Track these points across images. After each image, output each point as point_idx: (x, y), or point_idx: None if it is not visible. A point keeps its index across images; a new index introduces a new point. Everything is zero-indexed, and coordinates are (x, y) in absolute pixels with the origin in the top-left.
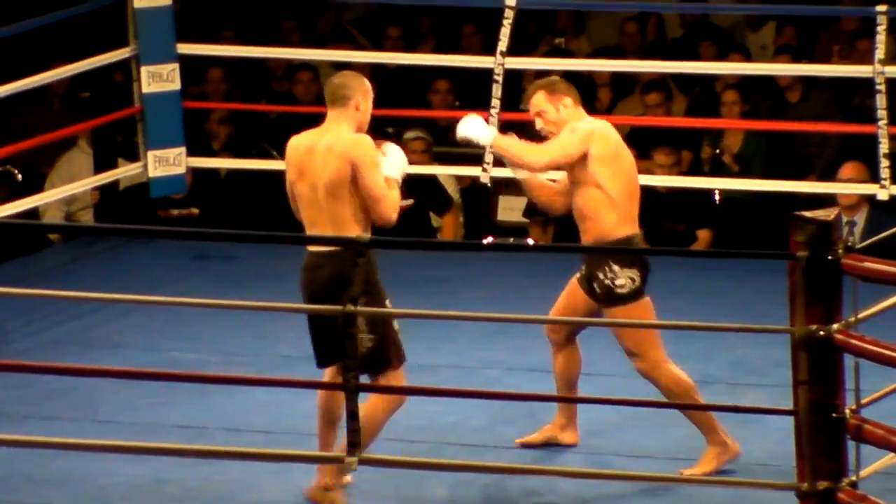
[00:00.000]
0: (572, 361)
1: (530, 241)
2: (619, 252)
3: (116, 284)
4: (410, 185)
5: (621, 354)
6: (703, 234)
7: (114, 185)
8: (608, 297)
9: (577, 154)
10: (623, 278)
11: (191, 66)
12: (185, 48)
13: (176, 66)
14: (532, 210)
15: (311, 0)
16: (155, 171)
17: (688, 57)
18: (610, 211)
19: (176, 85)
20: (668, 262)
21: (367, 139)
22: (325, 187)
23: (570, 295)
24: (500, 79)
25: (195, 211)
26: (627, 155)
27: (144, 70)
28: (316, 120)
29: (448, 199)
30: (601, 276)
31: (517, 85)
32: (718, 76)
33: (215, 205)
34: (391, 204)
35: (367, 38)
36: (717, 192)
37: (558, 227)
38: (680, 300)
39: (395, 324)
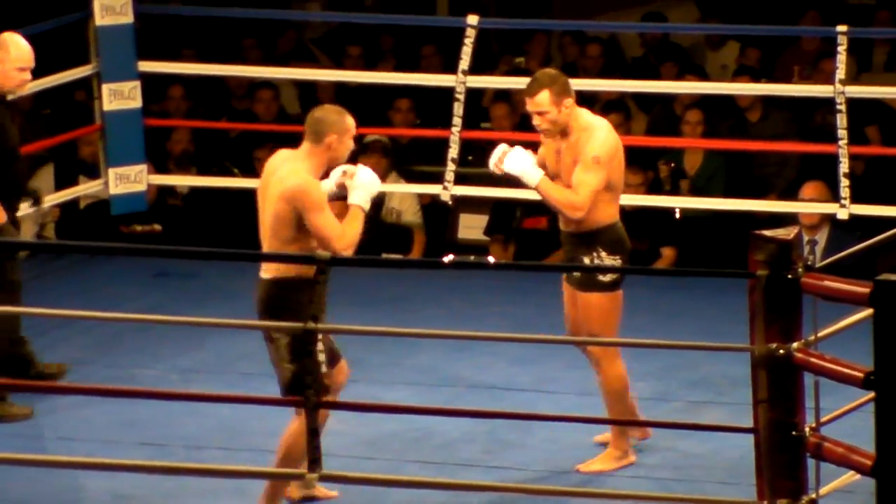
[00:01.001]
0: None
1: (491, 259)
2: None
3: (78, 301)
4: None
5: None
6: (667, 252)
7: (75, 202)
8: (588, 282)
9: (604, 182)
10: (610, 263)
11: (152, 84)
12: (146, 66)
13: (137, 83)
14: (493, 228)
15: (272, 19)
16: (116, 189)
17: (648, 76)
18: (606, 202)
19: (137, 102)
20: (630, 281)
21: (314, 184)
22: (269, 222)
23: (572, 303)
24: (461, 97)
25: (158, 227)
26: (621, 146)
27: (105, 87)
28: (275, 138)
29: (408, 233)
30: (587, 260)
31: (478, 104)
32: (678, 96)
33: (177, 222)
34: (346, 240)
35: (328, 56)
36: (677, 209)
37: (518, 246)
38: (642, 318)
39: (321, 355)
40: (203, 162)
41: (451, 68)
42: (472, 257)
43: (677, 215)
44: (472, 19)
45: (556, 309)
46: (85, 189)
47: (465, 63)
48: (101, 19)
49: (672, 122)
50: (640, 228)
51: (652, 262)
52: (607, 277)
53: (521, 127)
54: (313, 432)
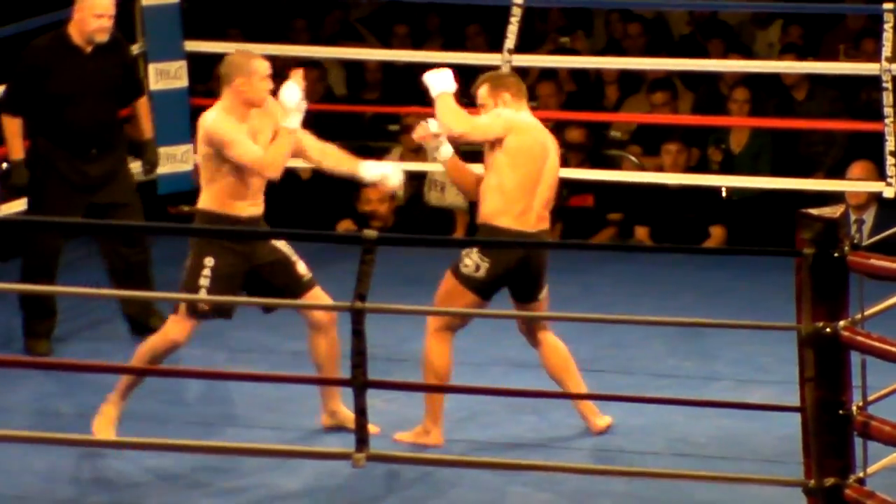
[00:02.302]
0: (549, 354)
1: None
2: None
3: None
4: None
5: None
6: (716, 231)
7: None
8: (455, 261)
9: (493, 135)
10: (470, 260)
11: (198, 64)
12: (192, 45)
13: (183, 63)
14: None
15: None
16: (162, 168)
17: (695, 55)
18: (496, 197)
19: (183, 82)
20: (677, 259)
21: (222, 120)
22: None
23: None
24: None
25: None
26: (543, 157)
27: (152, 67)
28: (321, 119)
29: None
30: (465, 251)
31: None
32: (724, 74)
33: None
34: (268, 161)
35: (374, 35)
36: (723, 188)
37: (565, 224)
38: (688, 297)
39: (203, 280)
40: None
41: (496, 47)
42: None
43: (724, 194)
44: None
45: (601, 287)
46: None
47: (510, 42)
48: None
49: (718, 101)
50: (687, 207)
51: (700, 241)
52: (466, 269)
53: (568, 105)
54: (361, 411)
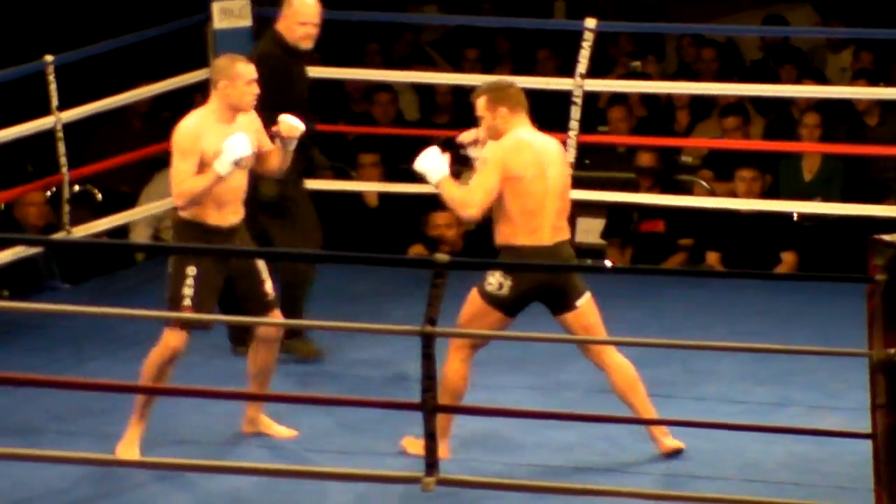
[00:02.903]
0: (614, 374)
1: (608, 263)
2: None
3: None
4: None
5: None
6: (788, 257)
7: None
8: (480, 281)
9: (498, 184)
10: (494, 279)
11: None
12: None
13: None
14: (610, 231)
15: (389, 22)
16: None
17: (767, 80)
18: (506, 222)
19: None
20: (748, 284)
21: (186, 129)
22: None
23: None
24: (578, 101)
25: None
26: (541, 173)
27: None
28: (393, 142)
29: None
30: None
31: (594, 107)
32: (796, 99)
33: None
34: (178, 190)
35: (445, 59)
36: (795, 213)
37: (636, 249)
38: (759, 322)
39: (188, 289)
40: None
41: (566, 71)
42: (589, 261)
43: (795, 219)
44: (591, 23)
45: (672, 312)
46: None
47: (582, 66)
48: (219, 23)
49: (790, 126)
50: (758, 232)
51: (772, 266)
52: (489, 287)
53: (639, 130)
54: (430, 435)
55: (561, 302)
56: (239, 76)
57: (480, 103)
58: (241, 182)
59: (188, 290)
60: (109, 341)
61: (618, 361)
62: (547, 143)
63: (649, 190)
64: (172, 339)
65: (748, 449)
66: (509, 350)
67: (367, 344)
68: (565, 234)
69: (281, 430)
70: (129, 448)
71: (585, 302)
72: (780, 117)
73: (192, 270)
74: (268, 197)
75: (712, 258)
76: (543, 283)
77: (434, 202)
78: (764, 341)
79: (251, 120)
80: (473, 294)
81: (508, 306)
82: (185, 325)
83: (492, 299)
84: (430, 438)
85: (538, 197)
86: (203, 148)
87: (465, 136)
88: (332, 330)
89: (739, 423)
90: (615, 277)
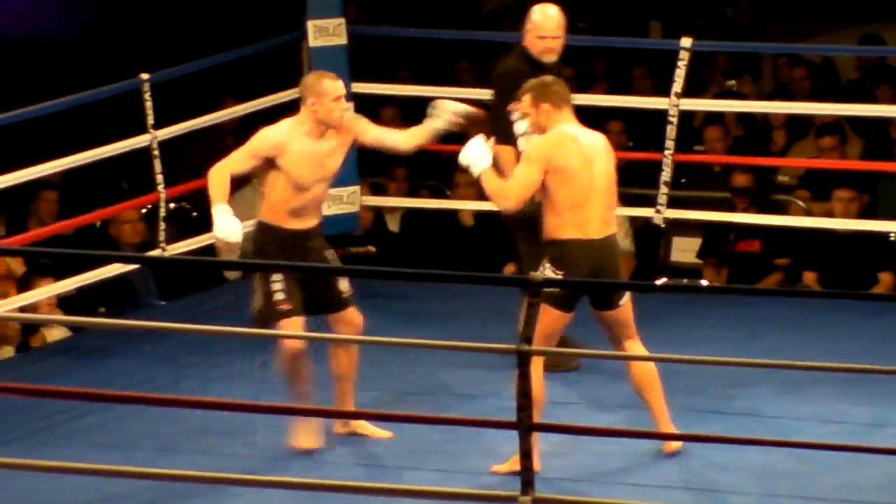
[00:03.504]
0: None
1: (704, 283)
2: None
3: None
4: None
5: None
6: (885, 277)
7: None
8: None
9: (538, 178)
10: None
11: (365, 105)
12: (359, 87)
13: (350, 105)
14: (706, 251)
15: (484, 40)
16: (329, 210)
17: (863, 100)
18: (553, 215)
19: None
20: (845, 305)
21: (266, 135)
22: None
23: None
24: (674, 120)
25: (372, 249)
26: (587, 166)
27: None
28: None
29: None
30: (540, 267)
31: (690, 126)
32: (894, 119)
33: (392, 244)
34: (214, 168)
35: None
36: (892, 234)
37: (732, 269)
38: (856, 343)
39: (277, 286)
40: (416, 184)
41: (662, 90)
42: (685, 280)
43: (892, 238)
44: (686, 42)
45: (768, 332)
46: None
47: (678, 86)
48: (314, 40)
49: (888, 146)
50: (855, 252)
51: (869, 287)
52: (549, 290)
53: (735, 150)
54: (527, 455)
55: (607, 299)
56: (325, 93)
57: (525, 101)
58: (322, 191)
59: (278, 286)
60: (204, 358)
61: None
62: (592, 138)
63: (745, 210)
64: (291, 331)
65: (844, 470)
66: (610, 368)
67: (461, 361)
68: (613, 228)
69: (376, 431)
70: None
71: (626, 300)
72: (879, 137)
73: (277, 275)
74: (526, 211)
75: (809, 278)
76: (593, 275)
77: None
78: (860, 362)
79: (343, 137)
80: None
81: (563, 302)
82: (289, 313)
83: (546, 297)
84: (526, 457)
85: (584, 189)
86: (281, 161)
87: (514, 106)
88: (426, 348)
89: (836, 443)
90: (711, 297)
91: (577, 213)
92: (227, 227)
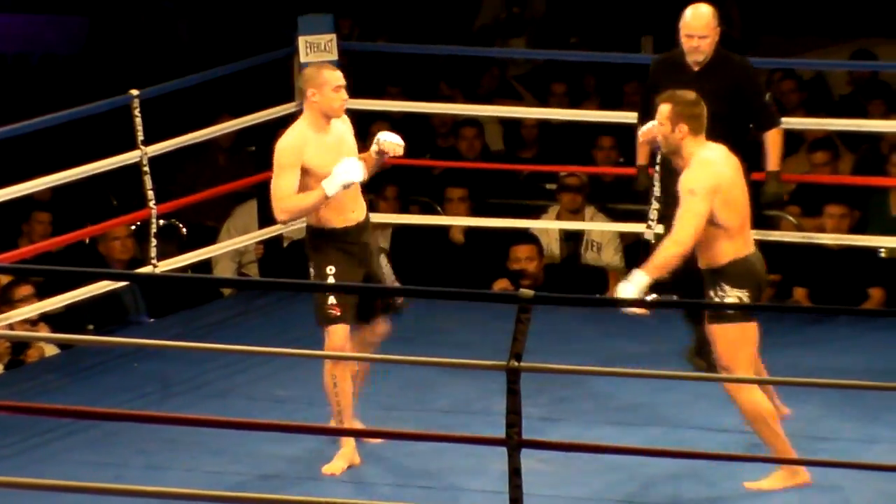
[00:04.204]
0: None
1: None
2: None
3: (281, 339)
4: None
5: None
6: (875, 293)
7: (278, 239)
8: (715, 315)
9: (708, 210)
10: (732, 298)
11: (356, 121)
12: (350, 103)
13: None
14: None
15: (476, 56)
16: None
17: (855, 115)
18: (724, 240)
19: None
20: (835, 320)
21: (287, 144)
22: None
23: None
24: None
25: None
26: (738, 183)
27: None
28: (479, 176)
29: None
30: (712, 294)
31: None
32: (885, 135)
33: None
34: (283, 205)
35: (531, 93)
36: (882, 249)
37: None
38: (847, 358)
39: (331, 297)
40: (407, 200)
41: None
42: (675, 297)
43: (882, 254)
44: None
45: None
46: (288, 226)
47: None
48: (305, 56)
49: (879, 162)
50: (845, 268)
51: (859, 302)
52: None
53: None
54: (516, 472)
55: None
56: (326, 83)
57: (664, 110)
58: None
59: (332, 298)
60: (194, 376)
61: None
62: (728, 156)
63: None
64: (334, 338)
65: (837, 486)
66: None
67: (450, 378)
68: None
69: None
70: (337, 462)
71: None
72: (870, 153)
73: (330, 270)
74: (772, 195)
75: (799, 294)
76: (762, 284)
77: (517, 236)
78: (851, 378)
79: (347, 127)
80: (724, 330)
81: (751, 318)
82: (339, 318)
83: (742, 316)
84: (515, 475)
85: (743, 207)
86: (305, 160)
87: (644, 134)
88: (416, 364)
89: (828, 459)
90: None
91: (744, 230)
92: (346, 164)
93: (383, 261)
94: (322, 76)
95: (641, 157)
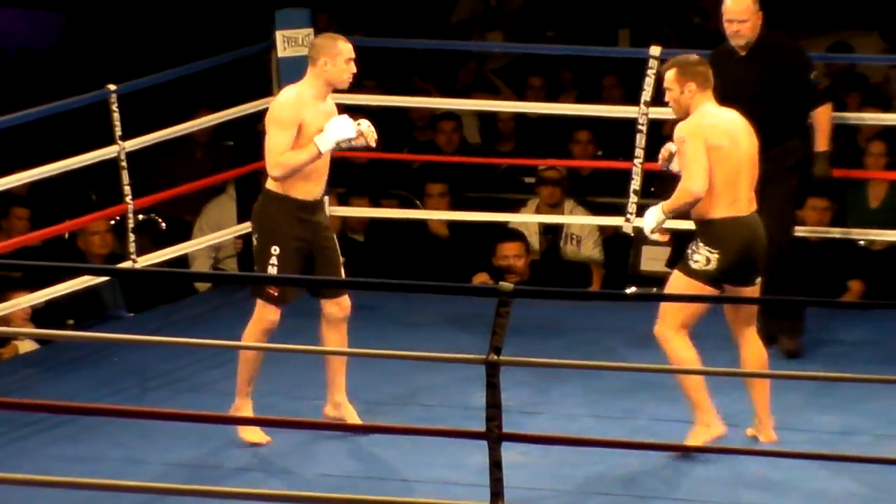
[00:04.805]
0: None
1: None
2: None
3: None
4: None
5: None
6: (854, 285)
7: None
8: (681, 262)
9: (706, 156)
10: (700, 255)
11: None
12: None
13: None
14: (676, 260)
15: (453, 50)
16: None
17: (834, 107)
18: (707, 195)
19: None
20: (815, 312)
21: (287, 101)
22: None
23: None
24: (643, 128)
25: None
26: (735, 144)
27: None
28: (457, 169)
29: (586, 269)
30: (686, 247)
31: (659, 135)
32: (862, 127)
33: (359, 255)
34: (277, 161)
35: (509, 87)
36: (861, 241)
37: None
38: (826, 350)
39: (272, 269)
40: (384, 194)
41: (631, 99)
42: (654, 289)
43: (862, 244)
44: (655, 50)
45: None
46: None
47: (647, 94)
48: (283, 51)
49: (856, 154)
50: (825, 260)
51: (839, 294)
52: (697, 264)
53: None
54: (496, 465)
55: (750, 275)
56: (340, 53)
57: (670, 75)
58: (328, 157)
59: (272, 270)
60: (172, 370)
61: (758, 343)
62: (734, 116)
63: None
64: (267, 312)
65: (814, 478)
66: (581, 378)
67: (430, 372)
68: (756, 206)
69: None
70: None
71: (759, 280)
72: (846, 145)
73: (275, 249)
74: (819, 176)
75: None
76: (746, 251)
77: (500, 230)
78: (830, 370)
79: (331, 101)
80: (678, 276)
81: (718, 279)
82: (276, 299)
83: (701, 275)
84: (496, 468)
85: (735, 167)
86: (302, 121)
87: (663, 155)
88: (395, 359)
89: (805, 451)
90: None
91: (730, 191)
92: (338, 121)
93: (335, 241)
94: (337, 46)
95: None
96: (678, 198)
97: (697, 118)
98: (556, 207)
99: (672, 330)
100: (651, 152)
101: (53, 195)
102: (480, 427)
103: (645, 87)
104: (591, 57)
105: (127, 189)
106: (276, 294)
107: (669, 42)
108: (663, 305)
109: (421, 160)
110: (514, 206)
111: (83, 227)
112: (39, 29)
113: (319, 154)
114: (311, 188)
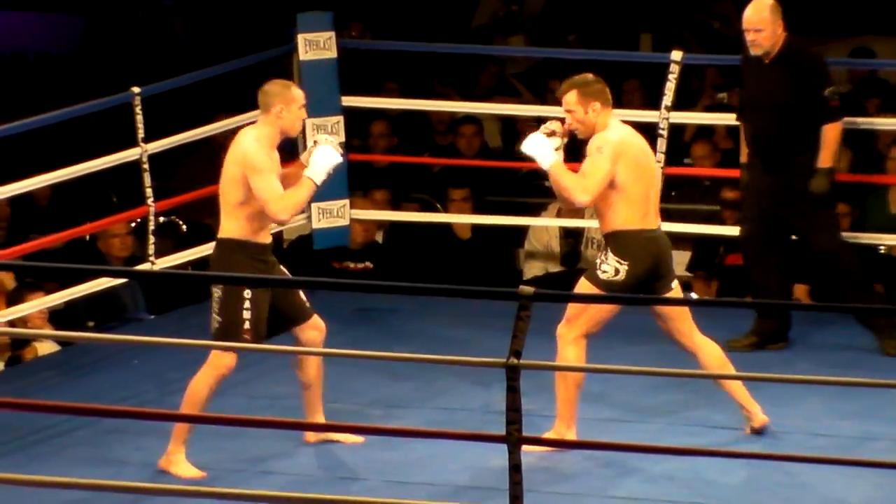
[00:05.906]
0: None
1: (694, 296)
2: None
3: (278, 336)
4: None
5: None
6: (875, 289)
7: (278, 236)
8: (588, 270)
9: (612, 171)
10: (609, 266)
11: (355, 119)
12: (349, 101)
13: (340, 118)
14: (695, 264)
15: (475, 54)
16: (319, 223)
17: (853, 112)
18: (624, 208)
19: (340, 137)
20: (835, 317)
21: (258, 147)
22: (222, 184)
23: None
24: (664, 133)
25: (370, 265)
26: (648, 159)
27: (309, 122)
28: (478, 173)
29: None
30: (599, 258)
31: (680, 139)
32: (882, 132)
33: (383, 258)
34: (282, 204)
35: (530, 90)
36: (882, 246)
37: (721, 282)
38: (846, 355)
39: (246, 313)
40: (405, 197)
41: (652, 104)
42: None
43: (882, 250)
44: (676, 55)
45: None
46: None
47: (668, 99)
48: (304, 54)
49: (876, 159)
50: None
51: None
52: (605, 275)
53: (724, 163)
54: (516, 468)
55: (663, 286)
56: (294, 100)
57: (571, 98)
58: None
59: (247, 314)
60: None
61: (705, 341)
62: (640, 136)
63: (735, 223)
64: (226, 358)
65: (833, 483)
66: (599, 382)
67: (451, 375)
68: (660, 220)
69: (348, 437)
70: (183, 466)
71: (676, 286)
72: (867, 151)
73: (247, 293)
74: (815, 192)
75: (800, 291)
76: (654, 265)
77: (519, 234)
78: (849, 375)
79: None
80: (584, 284)
81: (622, 290)
82: (247, 341)
83: (608, 286)
84: (515, 471)
85: (648, 182)
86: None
87: (544, 129)
88: (416, 362)
89: (824, 456)
90: (701, 310)
91: (644, 205)
92: (323, 150)
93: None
94: (291, 93)
95: (744, 156)
96: (565, 185)
97: (617, 132)
98: (577, 212)
99: (575, 333)
100: (671, 157)
101: (75, 197)
102: (500, 430)
103: (666, 91)
104: (613, 61)
105: (149, 191)
106: (249, 338)
107: (690, 47)
108: (571, 307)
109: (441, 164)
110: (535, 210)
111: (104, 229)
112: (58, 32)
113: (317, 187)
114: (267, 232)
